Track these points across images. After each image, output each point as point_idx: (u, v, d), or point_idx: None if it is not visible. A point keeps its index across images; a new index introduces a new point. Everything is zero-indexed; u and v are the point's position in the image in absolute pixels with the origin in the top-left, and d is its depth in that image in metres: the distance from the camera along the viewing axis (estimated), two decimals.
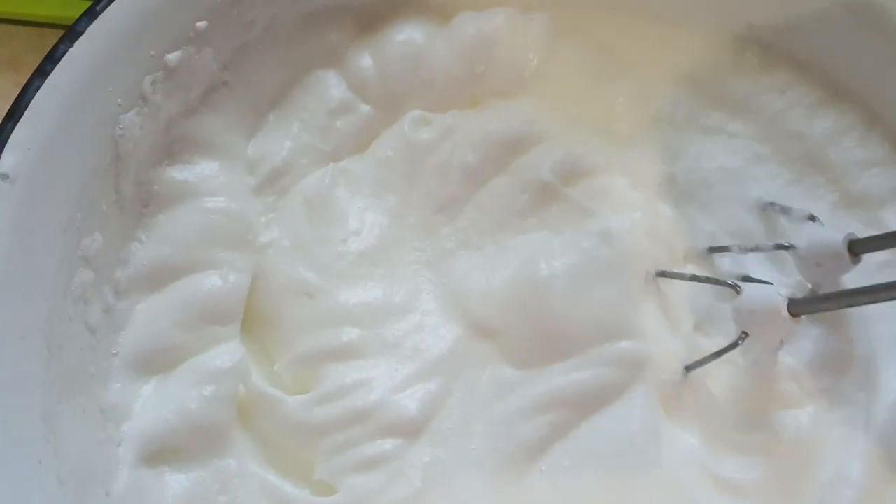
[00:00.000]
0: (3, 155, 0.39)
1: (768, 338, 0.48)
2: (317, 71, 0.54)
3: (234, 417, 0.48)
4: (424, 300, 0.52)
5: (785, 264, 0.53)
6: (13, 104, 0.40)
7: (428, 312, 0.52)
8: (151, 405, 0.46)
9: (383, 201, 0.54)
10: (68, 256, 0.42)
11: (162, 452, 0.45)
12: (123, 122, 0.44)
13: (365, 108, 0.55)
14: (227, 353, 0.48)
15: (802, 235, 0.51)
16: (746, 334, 0.48)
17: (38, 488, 0.38)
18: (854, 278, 0.50)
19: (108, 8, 0.43)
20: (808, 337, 0.51)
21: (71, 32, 0.42)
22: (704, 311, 0.53)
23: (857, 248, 0.48)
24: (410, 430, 0.48)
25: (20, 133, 0.40)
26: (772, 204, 0.54)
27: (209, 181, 0.50)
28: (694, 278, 0.51)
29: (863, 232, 0.50)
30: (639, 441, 0.48)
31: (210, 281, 0.48)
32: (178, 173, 0.49)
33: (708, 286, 0.52)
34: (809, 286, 0.51)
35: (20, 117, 0.40)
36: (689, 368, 0.50)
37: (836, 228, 0.50)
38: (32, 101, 0.40)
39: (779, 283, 0.51)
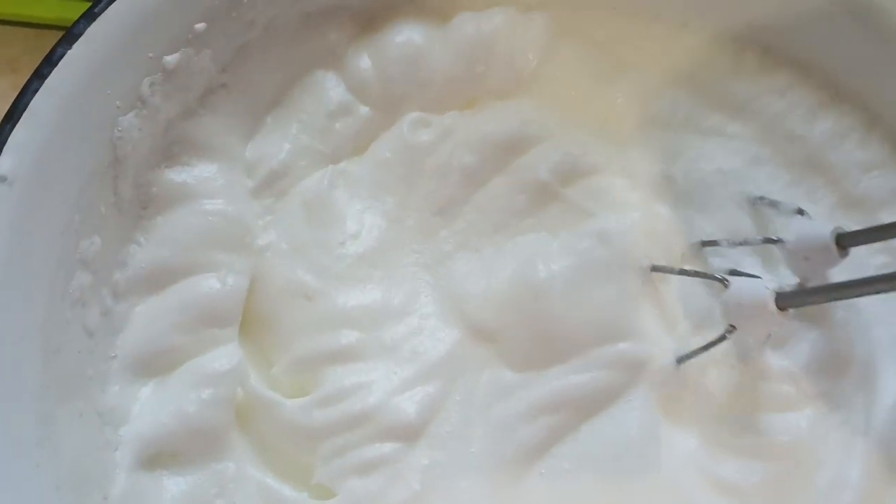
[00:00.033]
0: (0, 157, 0.39)
1: (756, 331, 0.49)
2: (315, 72, 0.54)
3: (233, 420, 0.48)
4: (423, 303, 0.52)
5: (779, 262, 0.53)
6: (11, 106, 0.40)
7: (426, 315, 0.52)
8: (149, 408, 0.46)
9: (382, 203, 0.54)
10: (66, 259, 0.42)
11: (160, 456, 0.45)
12: (122, 124, 0.44)
13: (364, 110, 0.54)
14: (225, 355, 0.48)
15: (791, 229, 0.51)
16: (734, 327, 0.48)
17: (34, 492, 0.38)
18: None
19: (107, 10, 0.43)
20: (806, 340, 0.51)
21: (69, 35, 0.42)
22: (703, 313, 0.52)
23: (844, 241, 0.48)
24: (409, 433, 0.48)
25: (18, 135, 0.40)
26: (761, 198, 0.54)
27: (208, 183, 0.49)
28: (682, 272, 0.51)
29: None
30: (637, 444, 0.48)
31: (208, 283, 0.48)
32: (177, 175, 0.49)
33: (704, 286, 0.52)
34: (798, 280, 0.51)
35: (18, 120, 0.40)
36: (680, 360, 0.50)
37: (823, 222, 0.51)
38: (31, 104, 0.40)
39: (769, 278, 0.51)
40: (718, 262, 0.54)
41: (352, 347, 0.50)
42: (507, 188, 0.55)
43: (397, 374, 0.49)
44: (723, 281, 0.49)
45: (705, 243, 0.54)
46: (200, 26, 0.47)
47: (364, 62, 0.54)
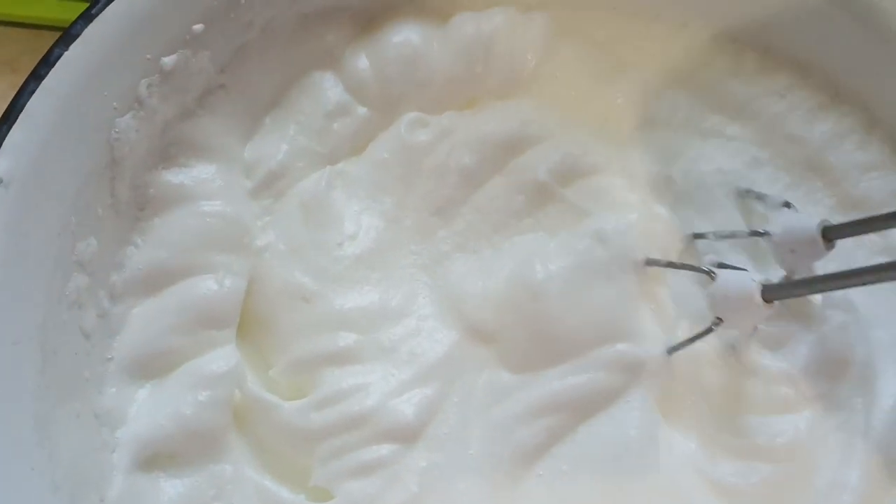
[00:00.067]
0: None
1: (742, 323, 0.49)
2: (313, 73, 0.54)
3: (230, 422, 0.48)
4: (421, 304, 0.52)
5: (769, 257, 0.53)
6: (8, 107, 0.40)
7: (424, 317, 0.52)
8: (146, 410, 0.46)
9: (380, 204, 0.54)
10: (63, 261, 0.42)
11: (157, 458, 0.45)
12: (119, 125, 0.44)
13: (361, 110, 0.54)
14: (222, 357, 0.48)
15: (778, 222, 0.51)
16: (721, 320, 0.48)
17: (31, 494, 0.38)
18: None
19: (104, 11, 0.43)
20: (804, 342, 0.51)
21: (66, 35, 0.42)
22: (701, 313, 0.52)
23: (831, 234, 0.48)
24: (407, 435, 0.48)
25: (15, 136, 0.40)
26: (748, 191, 0.54)
27: (205, 184, 0.49)
28: (670, 265, 0.51)
29: (863, 234, 0.50)
30: (636, 445, 0.48)
31: (206, 285, 0.48)
32: (174, 177, 0.49)
33: (701, 286, 0.52)
34: (784, 273, 0.51)
35: (15, 121, 0.40)
36: (670, 351, 0.50)
37: (810, 214, 0.50)
38: (27, 105, 0.40)
39: (756, 272, 0.51)
40: (712, 258, 0.54)
41: (349, 349, 0.50)
42: (505, 188, 0.54)
43: (395, 375, 0.49)
44: (709, 273, 0.49)
45: (696, 236, 0.54)
46: (198, 27, 0.47)
47: (362, 62, 0.54)
